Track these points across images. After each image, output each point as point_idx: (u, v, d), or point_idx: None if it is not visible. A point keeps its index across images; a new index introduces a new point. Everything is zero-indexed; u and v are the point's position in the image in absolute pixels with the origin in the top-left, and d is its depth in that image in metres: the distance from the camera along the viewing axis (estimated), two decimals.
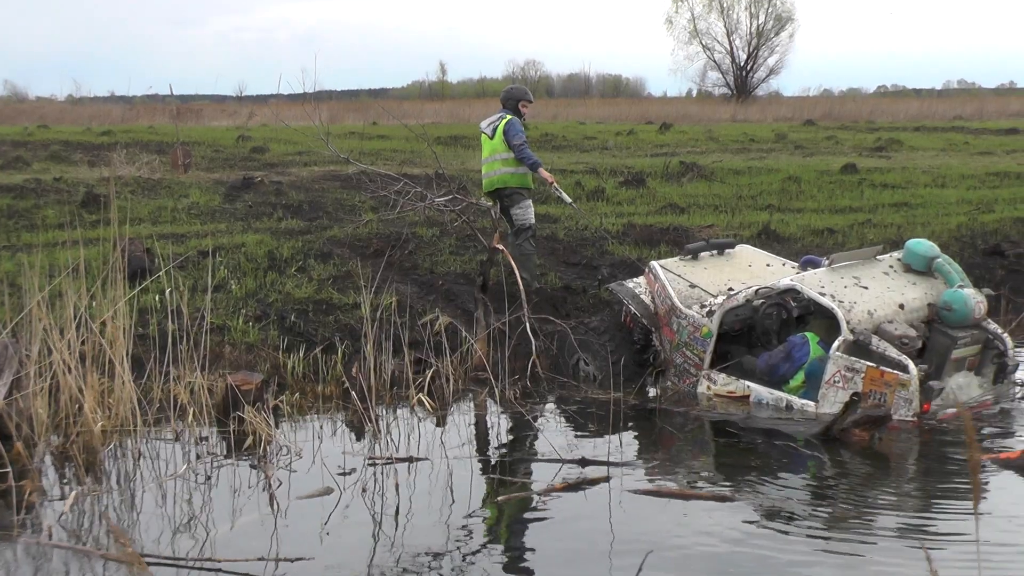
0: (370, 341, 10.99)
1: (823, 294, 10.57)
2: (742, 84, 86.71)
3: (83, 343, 9.78)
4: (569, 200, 15.09)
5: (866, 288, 10.83)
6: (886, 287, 10.97)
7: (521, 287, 12.02)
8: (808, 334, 10.83)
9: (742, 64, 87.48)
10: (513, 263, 12.28)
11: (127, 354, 9.95)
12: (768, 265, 12.47)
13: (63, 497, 8.61)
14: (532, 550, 7.68)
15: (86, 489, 8.75)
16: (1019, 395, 10.93)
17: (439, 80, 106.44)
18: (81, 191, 20.93)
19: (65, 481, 9.01)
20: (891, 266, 11.39)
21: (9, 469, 8.60)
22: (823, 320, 10.85)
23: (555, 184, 14.29)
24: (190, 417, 9.94)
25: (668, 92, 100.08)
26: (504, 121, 13.99)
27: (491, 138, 14.06)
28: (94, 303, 10.18)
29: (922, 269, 11.27)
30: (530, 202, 14.22)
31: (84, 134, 41.10)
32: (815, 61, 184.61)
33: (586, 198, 21.75)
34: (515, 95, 14.40)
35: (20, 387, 9.41)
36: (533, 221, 14.28)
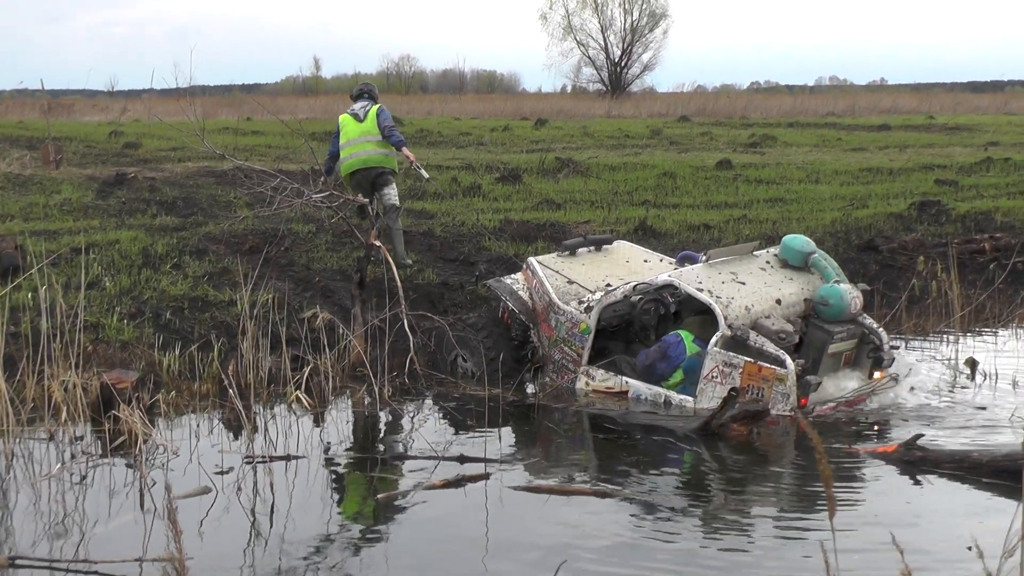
0: (247, 338, 10.92)
1: (701, 290, 10.66)
2: (617, 80, 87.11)
3: None
4: (427, 176, 15.93)
5: (743, 284, 10.95)
6: (763, 283, 11.10)
7: (398, 279, 12.00)
8: (682, 332, 10.88)
9: (616, 60, 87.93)
10: (390, 258, 12.30)
11: None
12: (646, 261, 12.56)
13: None
14: (410, 548, 7.63)
15: None
16: (895, 389, 11.11)
17: (313, 75, 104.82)
18: None
19: None
20: (768, 262, 11.52)
21: None
22: (697, 316, 10.96)
23: (415, 162, 15.04)
24: (64, 416, 9.82)
25: (543, 88, 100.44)
26: (376, 107, 14.87)
27: (362, 120, 14.83)
28: None
29: (798, 264, 11.44)
30: (395, 183, 15.18)
31: None
32: (689, 57, 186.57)
33: (462, 194, 21.76)
34: (373, 90, 15.56)
35: None
36: (396, 201, 15.09)
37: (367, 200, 13.22)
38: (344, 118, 15.09)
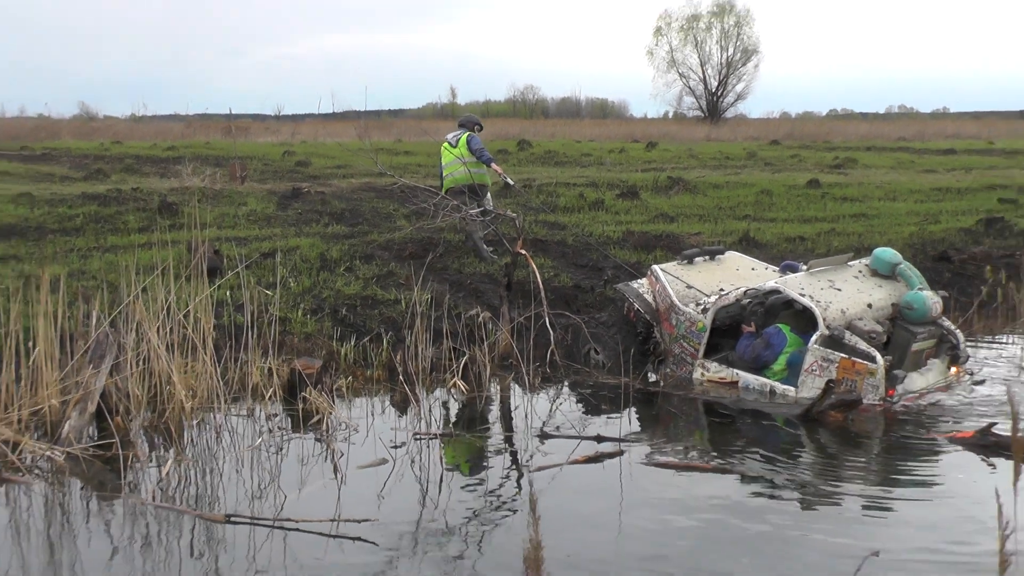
0: (413, 332, 11.09)
1: (803, 295, 10.65)
2: (713, 108, 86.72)
3: (171, 332, 9.87)
4: (512, 183, 17.05)
5: (839, 290, 10.91)
6: (856, 289, 11.05)
7: (540, 283, 12.12)
8: (780, 325, 10.94)
9: (713, 90, 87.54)
10: (533, 264, 12.40)
11: (208, 341, 10.05)
12: (753, 269, 12.52)
13: (158, 464, 8.70)
14: (555, 512, 7.67)
15: (177, 457, 8.85)
16: (970, 383, 11.03)
17: (450, 102, 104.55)
18: (156, 199, 20.93)
19: (157, 450, 9.09)
20: (860, 271, 11.47)
21: (116, 440, 8.72)
22: (790, 310, 10.99)
23: (503, 173, 16.11)
24: (265, 397, 10.07)
25: (648, 114, 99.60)
26: (466, 134, 15.82)
27: (454, 147, 15.74)
28: (178, 298, 10.26)
29: (887, 273, 11.38)
30: (489, 193, 16.21)
31: (152, 149, 40.96)
32: (776, 86, 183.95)
33: (588, 208, 21.72)
34: (472, 120, 16.60)
35: (119, 370, 9.50)
36: (492, 206, 15.94)
37: (515, 216, 13.34)
38: (443, 146, 16.00)
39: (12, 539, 7.26)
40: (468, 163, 15.57)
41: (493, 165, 15.76)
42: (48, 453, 8.56)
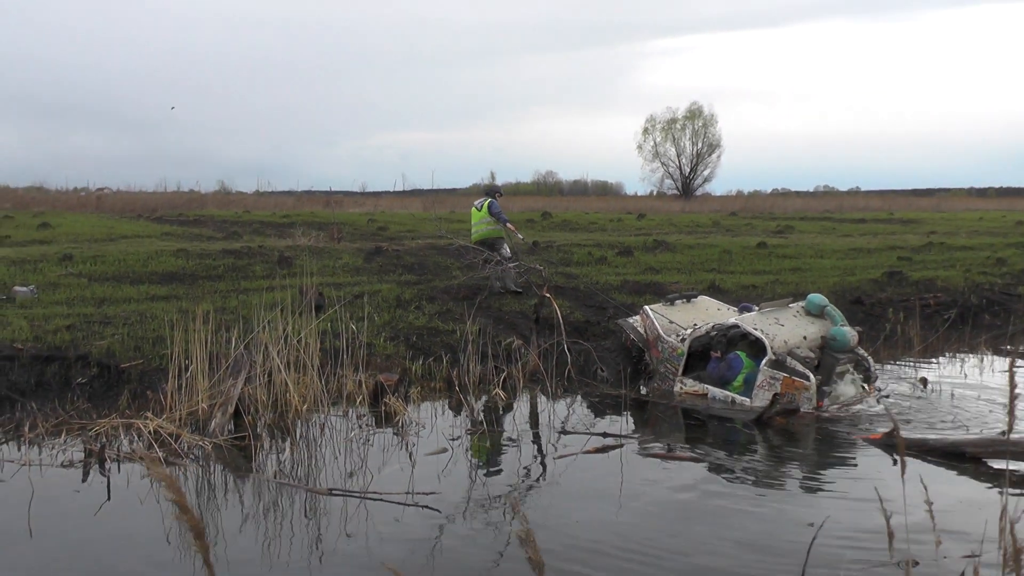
0: (466, 354, 11.13)
1: (756, 329, 10.65)
2: (686, 187, 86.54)
3: (288, 353, 9.95)
4: (521, 237, 17.31)
5: (783, 326, 10.88)
6: (795, 325, 11.02)
7: (559, 317, 12.13)
8: (739, 352, 10.93)
9: (686, 174, 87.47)
10: (555, 305, 12.41)
11: (315, 360, 10.12)
12: (719, 309, 12.49)
13: (278, 451, 8.77)
14: (574, 488, 7.72)
15: (292, 446, 8.91)
16: (878, 396, 10.97)
17: (490, 183, 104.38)
18: (276, 254, 21.05)
19: (277, 441, 9.14)
20: (797, 311, 11.44)
21: (248, 433, 8.80)
22: (746, 341, 10.97)
23: (515, 230, 16.21)
24: (356, 402, 10.11)
25: (638, 192, 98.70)
26: (487, 201, 15.84)
27: (479, 210, 15.87)
28: (293, 328, 10.34)
29: (817, 313, 11.35)
30: (505, 243, 15.94)
31: (272, 217, 41.16)
32: (731, 171, 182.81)
33: (595, 263, 21.64)
34: (494, 189, 16.55)
35: (250, 381, 9.58)
36: (509, 253, 15.93)
37: (541, 268, 13.39)
38: (472, 209, 16.12)
39: (175, 508, 7.32)
40: (488, 222, 15.69)
41: (508, 225, 15.79)
42: (200, 443, 8.65)
